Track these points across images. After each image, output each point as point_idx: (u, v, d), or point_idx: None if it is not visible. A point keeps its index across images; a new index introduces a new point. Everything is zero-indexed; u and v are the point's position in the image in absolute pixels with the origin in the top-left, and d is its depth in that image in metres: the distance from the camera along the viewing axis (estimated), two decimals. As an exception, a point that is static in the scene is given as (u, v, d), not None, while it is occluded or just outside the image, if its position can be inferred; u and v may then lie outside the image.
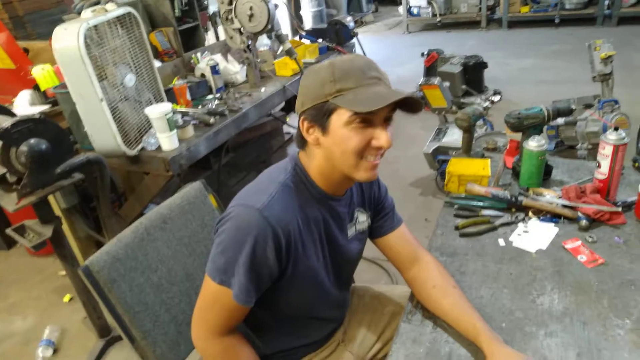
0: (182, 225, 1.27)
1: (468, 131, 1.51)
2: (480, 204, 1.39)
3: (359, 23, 8.01)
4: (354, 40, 3.34)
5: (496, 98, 4.07)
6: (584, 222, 1.25)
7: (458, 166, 1.50)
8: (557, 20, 6.12)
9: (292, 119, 3.65)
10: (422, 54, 4.22)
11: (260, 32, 2.35)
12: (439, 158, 2.82)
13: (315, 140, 0.91)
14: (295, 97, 2.75)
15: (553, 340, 0.96)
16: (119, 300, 1.07)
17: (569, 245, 1.21)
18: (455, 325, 0.99)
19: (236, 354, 0.96)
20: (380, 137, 0.87)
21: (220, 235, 0.90)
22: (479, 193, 1.40)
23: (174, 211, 1.26)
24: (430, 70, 4.10)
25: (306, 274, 0.97)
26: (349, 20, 3.15)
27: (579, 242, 1.21)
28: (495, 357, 0.88)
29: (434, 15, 6.86)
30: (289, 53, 2.53)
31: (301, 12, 6.55)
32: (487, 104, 3.32)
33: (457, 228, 1.32)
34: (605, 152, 1.28)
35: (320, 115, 0.87)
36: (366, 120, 0.85)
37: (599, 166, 1.32)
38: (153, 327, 1.13)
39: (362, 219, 1.08)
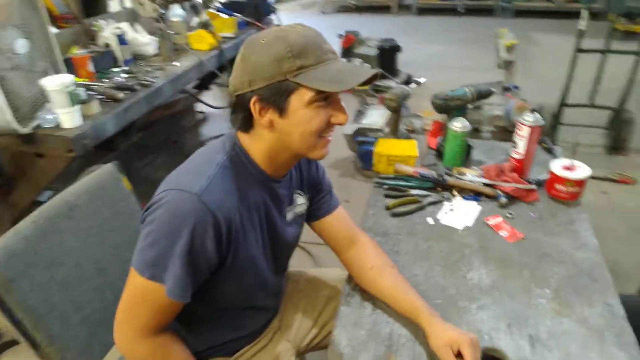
0: (91, 213, 1.12)
1: (397, 111, 1.51)
2: (409, 183, 1.41)
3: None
4: (274, 16, 3.23)
5: (422, 79, 4.21)
6: (503, 200, 1.32)
7: (386, 147, 1.50)
8: (461, 10, 6.48)
9: (206, 96, 3.46)
10: (339, 35, 4.22)
11: (175, 0, 2.16)
12: (358, 139, 2.85)
13: (269, 123, 0.82)
14: (211, 73, 2.62)
15: (485, 313, 1.00)
16: (18, 303, 0.92)
17: (491, 221, 1.27)
18: (395, 305, 0.99)
19: (168, 355, 0.87)
20: (340, 114, 0.83)
21: (149, 225, 0.79)
22: (407, 173, 1.41)
23: (82, 197, 1.11)
24: (348, 51, 4.13)
25: (246, 262, 0.90)
26: (268, -5, 3.03)
27: (500, 219, 1.27)
28: (435, 333, 0.89)
29: (348, -3, 6.92)
30: (205, 26, 2.36)
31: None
32: (413, 86, 3.42)
33: (387, 208, 1.33)
34: (522, 133, 1.36)
35: (278, 96, 0.79)
36: (327, 98, 0.80)
37: (515, 146, 1.39)
38: (61, 331, 0.99)
39: (301, 202, 1.03)
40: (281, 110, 0.80)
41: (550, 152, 1.57)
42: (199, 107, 3.79)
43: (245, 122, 0.85)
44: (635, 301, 1.21)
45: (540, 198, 1.36)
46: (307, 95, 0.78)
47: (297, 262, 2.35)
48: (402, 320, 0.98)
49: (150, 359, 0.86)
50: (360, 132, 2.85)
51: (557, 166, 1.32)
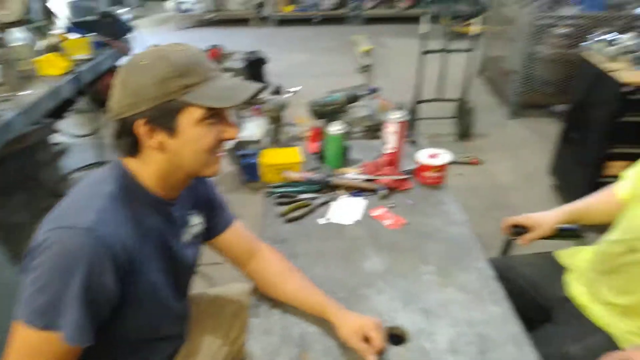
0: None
1: (277, 121, 1.56)
2: (297, 189, 1.46)
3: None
4: (132, 34, 3.06)
5: (297, 88, 4.32)
6: (383, 192, 1.45)
7: (271, 157, 1.54)
8: (317, 20, 6.83)
9: (63, 125, 3.15)
10: (204, 50, 4.16)
11: (14, 24, 1.94)
12: (238, 153, 2.84)
13: (159, 145, 0.80)
14: (67, 100, 2.40)
15: (382, 296, 1.09)
16: None
17: (376, 213, 1.38)
18: (303, 306, 1.03)
19: None
20: (230, 129, 0.84)
21: (34, 271, 0.72)
22: (295, 179, 1.47)
23: None
24: (214, 66, 4.08)
25: (147, 291, 0.86)
26: (123, 13, 2.86)
27: (384, 209, 1.39)
28: (342, 324, 0.96)
29: (205, 12, 6.83)
30: (54, 48, 2.16)
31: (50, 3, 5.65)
32: (290, 95, 3.49)
33: (281, 215, 1.37)
34: (392, 130, 1.50)
35: (166, 116, 0.77)
36: (216, 115, 0.80)
37: (388, 142, 1.54)
38: None
39: (196, 222, 1.02)
40: (170, 131, 0.79)
41: (414, 143, 1.76)
42: (55, 138, 3.42)
43: (132, 146, 0.82)
44: (499, 261, 1.42)
45: (413, 186, 1.52)
46: (197, 113, 0.78)
47: (194, 286, 2.27)
48: (310, 319, 1.03)
49: None
50: (240, 145, 2.86)
51: (423, 155, 1.49)
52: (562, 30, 3.44)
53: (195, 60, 0.80)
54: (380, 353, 0.92)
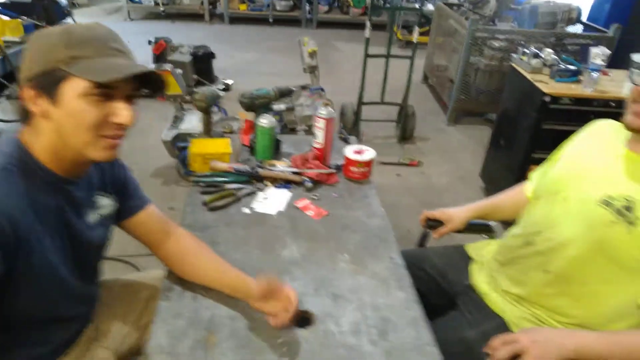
0: None
1: (207, 112, 1.57)
2: (225, 179, 1.48)
3: (71, 5, 7.09)
4: (69, 19, 2.96)
5: (230, 82, 4.31)
6: (308, 184, 1.49)
7: (200, 146, 1.55)
8: (271, 20, 6.83)
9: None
10: (150, 42, 4.07)
11: None
12: (178, 145, 2.81)
13: (44, 112, 0.79)
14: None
15: (296, 282, 1.12)
16: None
17: (299, 204, 1.42)
18: (220, 284, 1.05)
19: None
20: (121, 112, 0.82)
21: None
22: (222, 169, 1.48)
23: None
24: (160, 58, 4.00)
25: (43, 269, 0.85)
26: (59, -3, 2.76)
27: (308, 201, 1.43)
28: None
29: (157, 4, 6.67)
30: (-20, 28, 2.06)
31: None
32: (221, 86, 3.48)
33: (205, 203, 1.38)
34: (319, 125, 1.54)
35: (49, 83, 0.77)
36: (106, 94, 0.80)
37: (316, 137, 1.58)
38: None
39: (105, 203, 1.01)
40: (53, 99, 0.79)
41: (345, 141, 1.82)
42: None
43: (23, 112, 0.82)
44: (415, 252, 1.50)
45: (339, 180, 1.57)
46: (80, 85, 0.78)
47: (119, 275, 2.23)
48: (222, 302, 1.04)
49: None
50: (180, 137, 2.82)
51: (350, 151, 1.54)
52: (498, 44, 3.64)
53: (98, 37, 0.81)
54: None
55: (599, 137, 1.19)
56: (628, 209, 0.99)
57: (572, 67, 2.40)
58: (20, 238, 0.78)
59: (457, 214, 1.42)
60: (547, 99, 2.31)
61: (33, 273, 0.83)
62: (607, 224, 1.01)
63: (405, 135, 3.63)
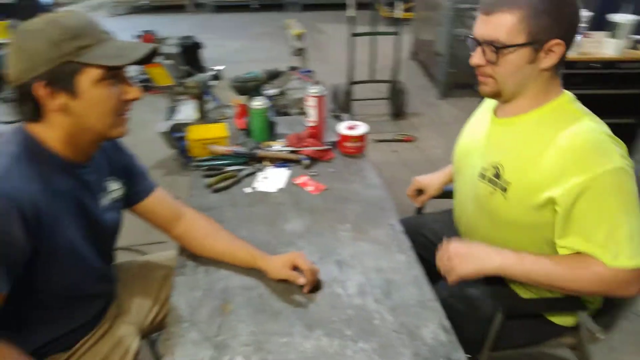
0: None
1: (200, 97, 1.61)
2: (224, 162, 1.53)
3: (54, 4, 7.02)
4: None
5: (221, 67, 4.34)
6: (306, 162, 1.54)
7: (198, 132, 1.59)
8: (255, 6, 6.80)
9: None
10: (137, 36, 4.07)
11: None
12: (176, 135, 2.84)
13: (62, 107, 0.83)
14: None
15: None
16: None
17: (299, 181, 1.47)
18: (233, 259, 1.11)
19: None
20: (130, 89, 0.88)
21: None
22: (221, 152, 1.53)
23: None
24: (148, 52, 4.01)
25: (65, 248, 0.90)
26: (44, -4, 2.76)
27: (306, 178, 1.49)
28: (271, 265, 1.07)
29: (140, -3, 6.64)
30: (-31, 32, 2.07)
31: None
32: (212, 74, 3.50)
33: (208, 186, 1.43)
34: (311, 104, 1.59)
35: (64, 78, 0.81)
36: (115, 75, 0.85)
37: (308, 116, 1.63)
38: None
39: (115, 187, 1.06)
40: (71, 92, 0.82)
41: (339, 118, 1.86)
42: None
43: (34, 111, 0.84)
44: (414, 219, 1.56)
45: (335, 156, 1.62)
46: (94, 73, 0.82)
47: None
48: (233, 275, 1.11)
49: None
50: (176, 128, 2.85)
51: (343, 127, 1.59)
52: (482, 13, 3.66)
53: (86, 23, 0.84)
54: (314, 274, 1.05)
55: (484, 110, 1.26)
56: (497, 175, 1.06)
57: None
58: (41, 220, 0.83)
59: (432, 181, 1.50)
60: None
61: (57, 253, 0.88)
62: (488, 196, 1.08)
63: (398, 111, 3.67)
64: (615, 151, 0.95)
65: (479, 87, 1.09)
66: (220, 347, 0.92)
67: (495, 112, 1.15)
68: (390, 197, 1.43)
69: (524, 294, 1.18)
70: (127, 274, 1.24)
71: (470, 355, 1.17)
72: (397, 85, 3.60)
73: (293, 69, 2.47)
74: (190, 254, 1.17)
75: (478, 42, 1.02)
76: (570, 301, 1.14)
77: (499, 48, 0.98)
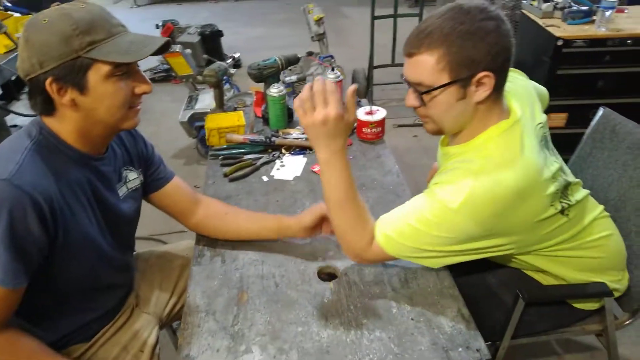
0: None
1: (217, 86, 1.60)
2: (241, 150, 1.52)
3: (76, -3, 7.14)
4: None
5: (237, 54, 4.36)
6: (324, 149, 1.52)
7: (215, 121, 1.59)
8: (275, -8, 6.75)
9: (16, 107, 3.09)
10: (157, 26, 4.10)
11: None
12: (195, 125, 2.87)
13: (71, 102, 0.83)
14: (17, 79, 2.35)
15: (319, 241, 1.17)
16: None
17: (316, 168, 1.46)
18: (260, 232, 1.13)
19: (15, 350, 0.85)
20: (142, 83, 0.88)
21: None
22: (238, 141, 1.53)
23: None
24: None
25: (81, 240, 0.91)
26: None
27: (323, 164, 1.47)
28: (298, 220, 1.10)
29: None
30: (-6, 27, 2.12)
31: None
32: (231, 62, 3.51)
33: (225, 175, 1.43)
34: (328, 89, 1.56)
35: (74, 74, 0.80)
36: (125, 70, 0.84)
37: (326, 102, 1.60)
38: None
39: (133, 177, 1.07)
40: (81, 88, 0.82)
41: (357, 104, 1.83)
42: (12, 120, 3.35)
43: (46, 105, 0.84)
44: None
45: (353, 142, 1.59)
46: (104, 69, 0.81)
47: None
48: (250, 264, 1.11)
49: None
50: (196, 117, 2.88)
51: (361, 113, 1.56)
52: (508, -8, 3.52)
53: (99, 17, 0.83)
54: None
55: None
56: None
57: (584, 8, 2.33)
58: (57, 213, 0.84)
59: None
60: (560, 42, 2.24)
61: (72, 244, 0.89)
62: None
63: (419, 95, 3.59)
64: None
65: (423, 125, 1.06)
66: (237, 337, 0.92)
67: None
68: (408, 183, 1.40)
69: (544, 281, 1.15)
70: (146, 264, 1.26)
71: (490, 342, 1.15)
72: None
73: (310, 54, 2.43)
74: (207, 243, 1.17)
75: (409, 84, 0.98)
76: (595, 287, 1.10)
77: (424, 92, 0.94)
